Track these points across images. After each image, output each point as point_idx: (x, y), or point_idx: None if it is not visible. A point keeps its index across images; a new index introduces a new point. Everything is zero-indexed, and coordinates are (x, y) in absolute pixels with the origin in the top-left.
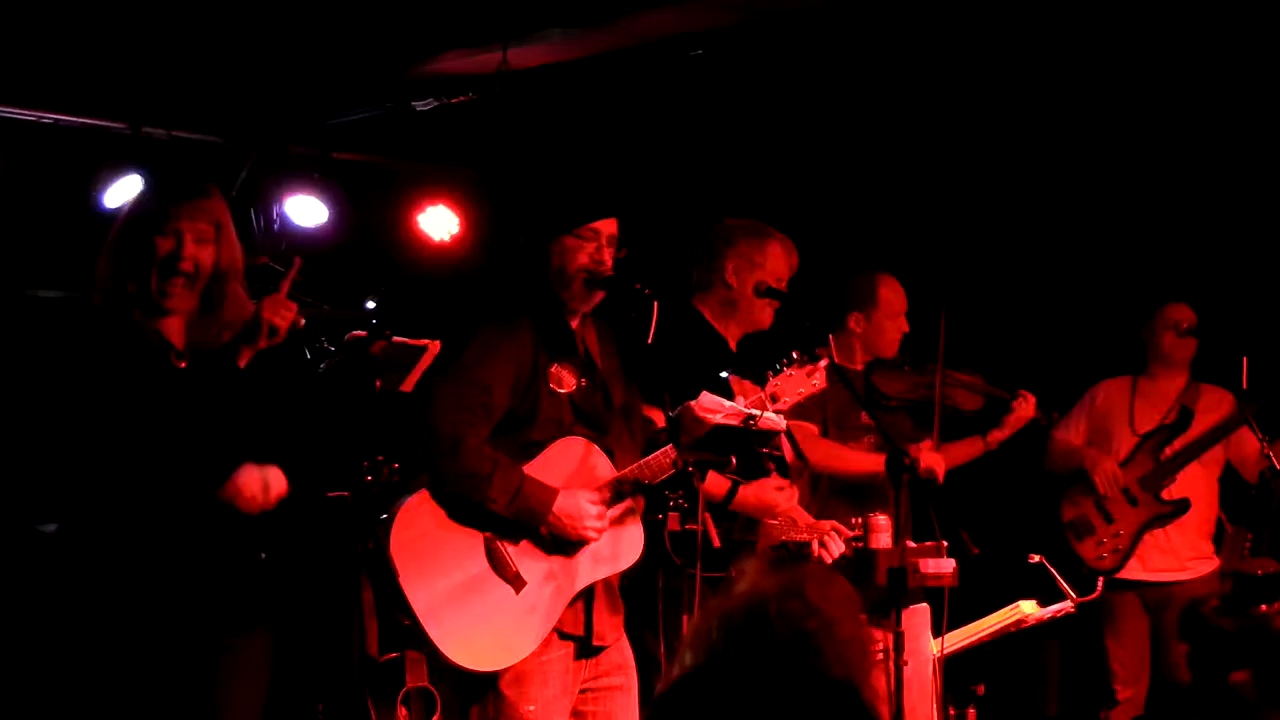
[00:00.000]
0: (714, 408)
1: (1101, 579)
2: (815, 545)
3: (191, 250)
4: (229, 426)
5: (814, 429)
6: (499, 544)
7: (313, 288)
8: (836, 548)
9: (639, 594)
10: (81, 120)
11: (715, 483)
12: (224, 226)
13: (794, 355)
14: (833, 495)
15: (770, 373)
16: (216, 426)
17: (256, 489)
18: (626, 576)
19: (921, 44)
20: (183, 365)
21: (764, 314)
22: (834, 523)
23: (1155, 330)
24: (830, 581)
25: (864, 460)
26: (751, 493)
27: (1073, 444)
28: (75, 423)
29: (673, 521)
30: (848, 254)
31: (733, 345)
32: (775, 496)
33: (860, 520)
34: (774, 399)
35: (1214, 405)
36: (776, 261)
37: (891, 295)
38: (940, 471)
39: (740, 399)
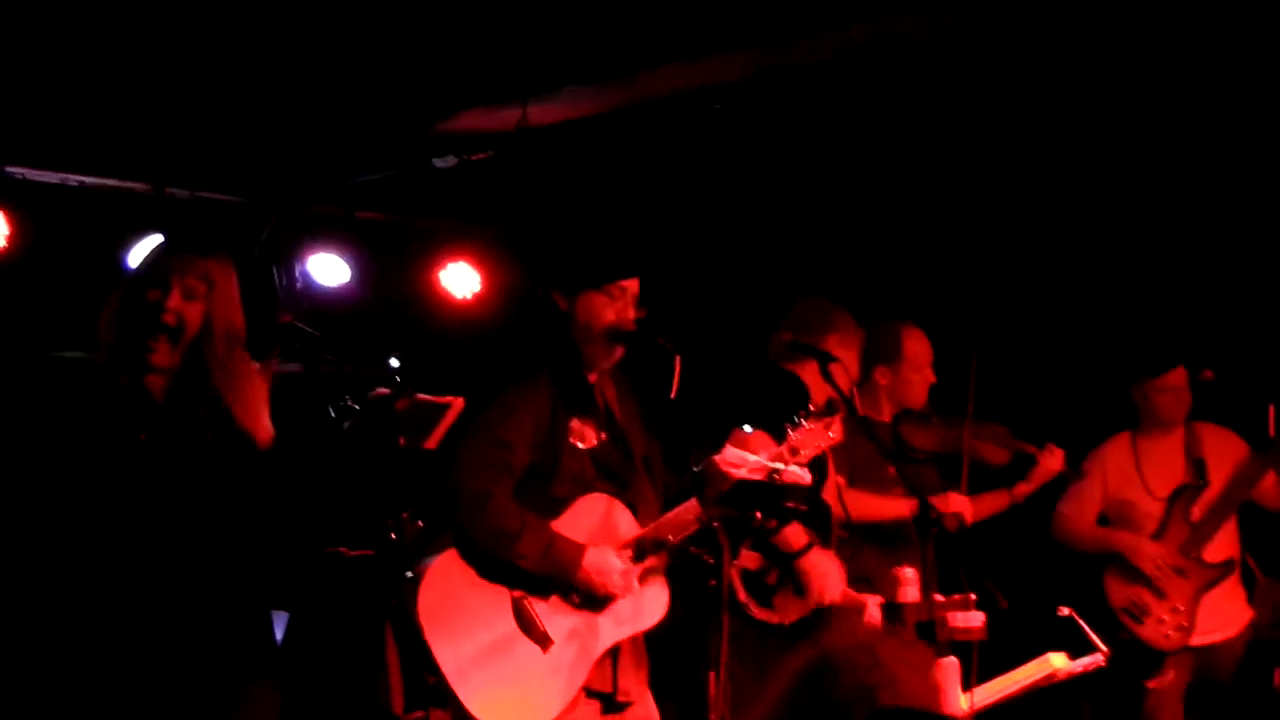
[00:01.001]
0: (738, 462)
1: (1168, 658)
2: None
3: (176, 304)
4: (181, 502)
5: (841, 480)
6: (527, 602)
7: (336, 346)
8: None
9: (698, 635)
10: (106, 182)
11: (794, 535)
12: (219, 286)
13: (810, 408)
14: (863, 544)
15: (788, 426)
16: (168, 502)
17: None
18: (677, 620)
19: (944, 91)
20: (143, 438)
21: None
22: (876, 596)
23: (1148, 393)
24: (904, 642)
25: (893, 505)
26: (816, 563)
27: (1086, 522)
28: (26, 490)
29: (748, 560)
30: (872, 305)
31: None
32: (833, 579)
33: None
34: (794, 452)
35: (1221, 447)
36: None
37: (917, 347)
38: (968, 515)
39: (763, 453)
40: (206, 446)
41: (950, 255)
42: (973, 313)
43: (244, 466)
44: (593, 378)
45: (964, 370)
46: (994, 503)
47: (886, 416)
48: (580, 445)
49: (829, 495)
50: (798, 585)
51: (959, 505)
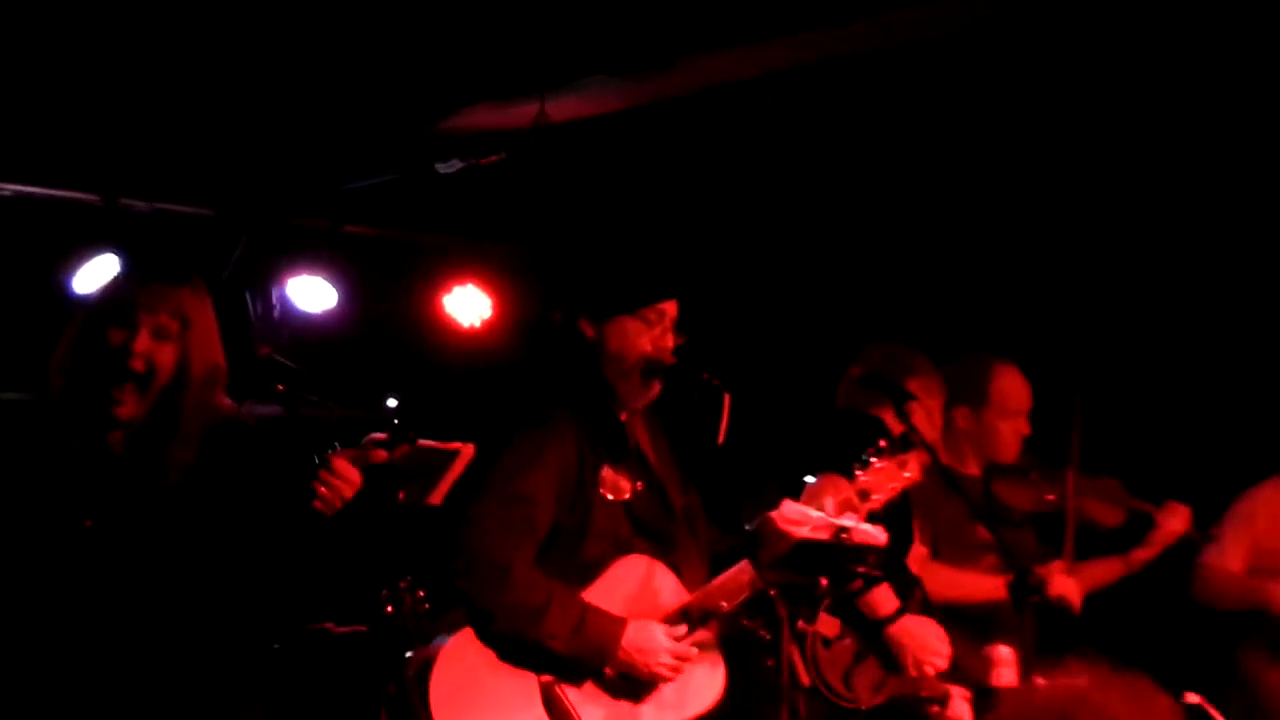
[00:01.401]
0: (798, 519)
1: None
2: (936, 709)
3: (144, 346)
4: (134, 602)
5: (923, 551)
6: (558, 689)
7: (322, 384)
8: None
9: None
10: (48, 192)
11: (882, 598)
12: (194, 324)
13: (881, 444)
14: (946, 623)
15: (856, 465)
16: (116, 595)
17: None
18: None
19: (1046, 90)
20: (89, 524)
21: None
22: (963, 690)
23: None
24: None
25: (984, 586)
26: (912, 630)
27: (1233, 573)
28: None
29: (828, 626)
30: (953, 337)
31: None
32: (935, 645)
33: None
34: (864, 495)
35: None
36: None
37: (1009, 387)
38: (1075, 599)
39: (828, 499)
40: (170, 520)
41: (1049, 277)
42: (1076, 344)
43: (216, 536)
44: (624, 416)
45: (1066, 413)
46: (1105, 571)
47: (972, 469)
48: (613, 497)
49: (914, 565)
50: (886, 659)
51: (1063, 588)
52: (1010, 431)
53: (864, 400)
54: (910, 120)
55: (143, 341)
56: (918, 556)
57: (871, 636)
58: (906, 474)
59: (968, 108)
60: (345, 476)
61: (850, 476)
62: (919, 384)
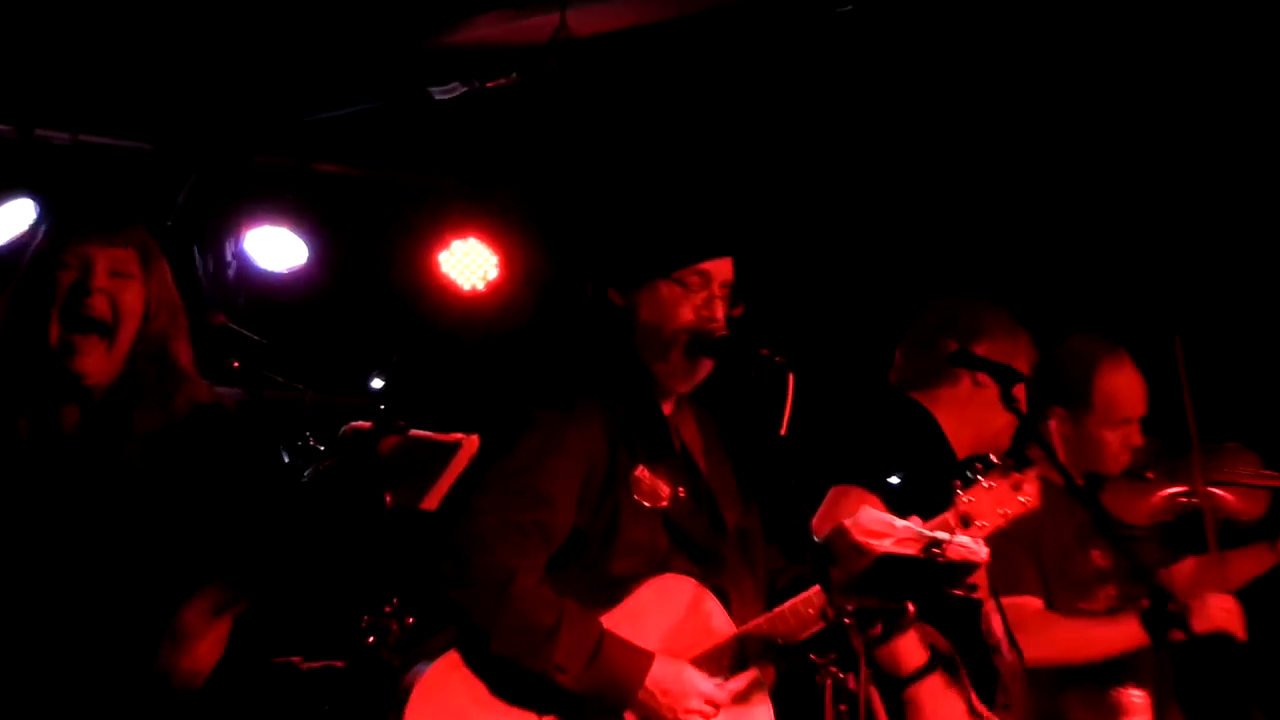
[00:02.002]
0: (881, 529)
1: None
2: None
3: (104, 283)
4: (83, 591)
5: (1036, 603)
6: None
7: (290, 360)
8: None
9: None
10: None
11: (908, 651)
12: (156, 261)
13: (994, 460)
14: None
15: (958, 484)
16: (66, 593)
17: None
18: None
19: (1139, 27)
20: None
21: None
22: None
23: None
24: None
25: (1114, 636)
26: (933, 699)
27: None
28: None
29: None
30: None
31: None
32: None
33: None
34: (966, 521)
35: None
36: (1022, 357)
37: (1119, 391)
38: (1236, 625)
39: (915, 521)
40: (130, 513)
41: (1147, 234)
42: (1175, 300)
43: (177, 539)
44: (667, 407)
45: (1163, 363)
46: (1253, 563)
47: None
48: (648, 504)
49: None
50: None
51: (1217, 617)
52: (1118, 442)
53: (937, 380)
54: (994, 54)
55: (100, 278)
56: (1027, 611)
57: (889, 696)
58: (1023, 499)
59: (1053, 47)
60: None
61: (949, 496)
62: (1022, 357)
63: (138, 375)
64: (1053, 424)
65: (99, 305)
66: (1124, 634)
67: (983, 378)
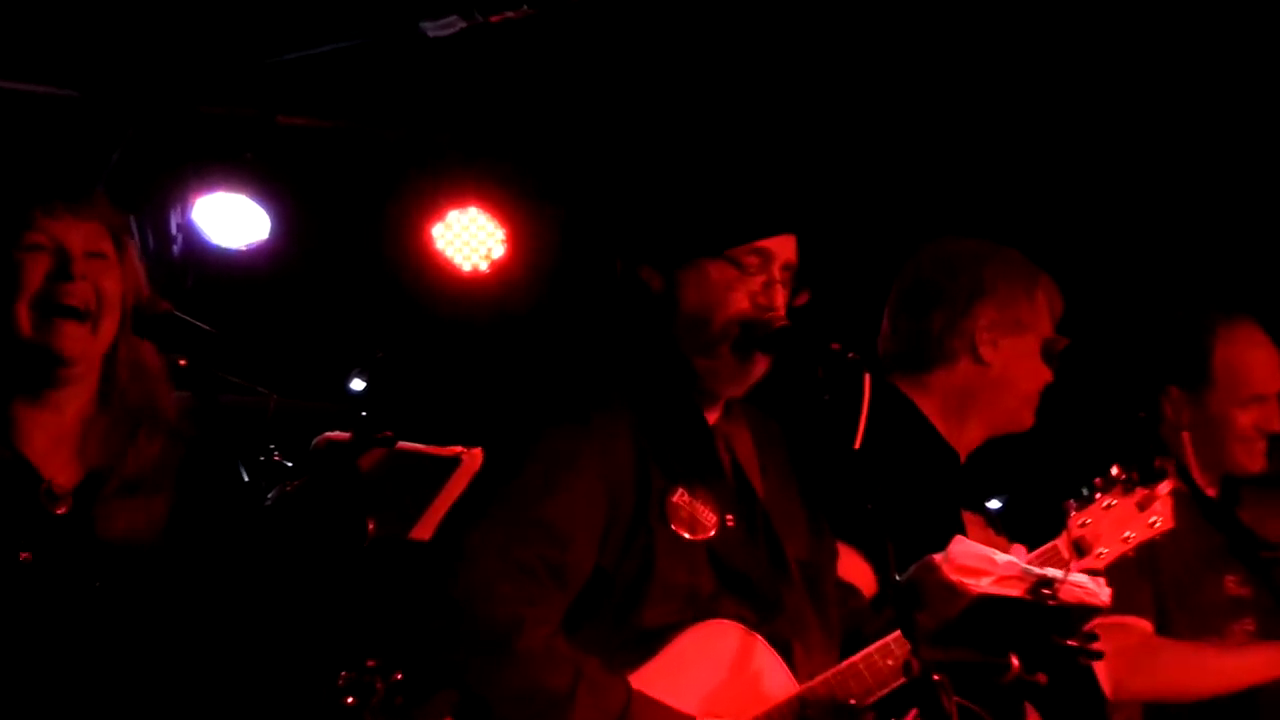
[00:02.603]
0: (978, 565)
1: None
2: None
3: (83, 267)
4: (79, 650)
5: (1144, 625)
6: None
7: (251, 357)
8: None
9: None
10: None
11: None
12: (127, 238)
13: (1114, 473)
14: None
15: (1072, 505)
16: (59, 651)
17: None
18: None
19: None
20: (62, 510)
21: (1027, 407)
22: None
23: None
24: None
25: (1245, 668)
26: None
27: None
28: None
29: None
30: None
31: (962, 456)
32: None
33: None
34: (1081, 548)
35: None
36: (1044, 317)
37: (1242, 358)
38: None
39: (1018, 551)
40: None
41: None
42: None
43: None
44: (712, 414)
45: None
46: None
47: (1206, 485)
48: (689, 535)
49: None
50: None
51: None
52: (1249, 424)
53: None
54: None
55: (80, 264)
56: (1135, 634)
57: None
58: (1152, 520)
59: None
60: None
61: (1062, 519)
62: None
63: (112, 380)
64: (1167, 410)
65: (83, 294)
66: (1259, 664)
67: (989, 353)
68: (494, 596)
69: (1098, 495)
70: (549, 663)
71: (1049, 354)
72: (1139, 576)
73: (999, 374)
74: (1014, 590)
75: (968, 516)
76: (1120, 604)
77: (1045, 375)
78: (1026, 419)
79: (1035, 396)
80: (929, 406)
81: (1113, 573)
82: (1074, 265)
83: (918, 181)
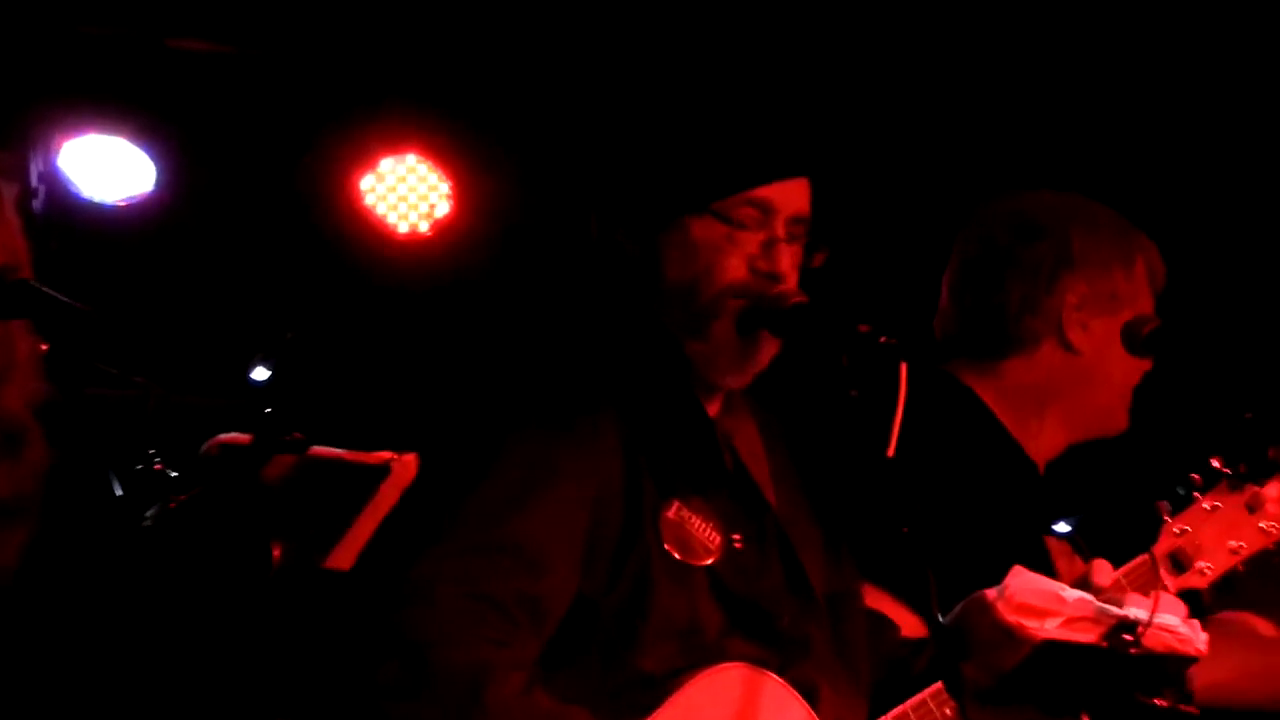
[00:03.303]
0: (1042, 604)
1: None
2: None
3: None
4: None
5: (1266, 627)
6: None
7: (128, 340)
8: None
9: None
10: None
11: None
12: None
13: (1215, 467)
14: None
15: (1166, 508)
16: None
17: None
18: None
19: None
20: None
21: (1121, 404)
22: None
23: None
24: None
25: None
26: None
27: None
28: None
29: None
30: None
31: (1041, 466)
32: None
33: None
34: (1179, 563)
35: None
36: (1144, 291)
37: None
38: None
39: (1101, 567)
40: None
41: None
42: None
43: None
44: (713, 408)
45: None
46: None
47: None
48: (689, 560)
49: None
50: None
51: None
52: None
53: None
54: None
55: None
56: (1247, 628)
57: None
58: (1265, 524)
59: None
60: None
61: (1154, 527)
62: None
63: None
64: None
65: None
66: None
67: (1078, 338)
68: (455, 639)
69: (1196, 496)
70: (527, 717)
71: (1132, 337)
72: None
73: (1090, 363)
74: (1087, 635)
75: (1050, 543)
76: (1240, 600)
77: (1143, 364)
78: (1120, 419)
79: (1130, 391)
80: (999, 403)
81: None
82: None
83: (969, 106)
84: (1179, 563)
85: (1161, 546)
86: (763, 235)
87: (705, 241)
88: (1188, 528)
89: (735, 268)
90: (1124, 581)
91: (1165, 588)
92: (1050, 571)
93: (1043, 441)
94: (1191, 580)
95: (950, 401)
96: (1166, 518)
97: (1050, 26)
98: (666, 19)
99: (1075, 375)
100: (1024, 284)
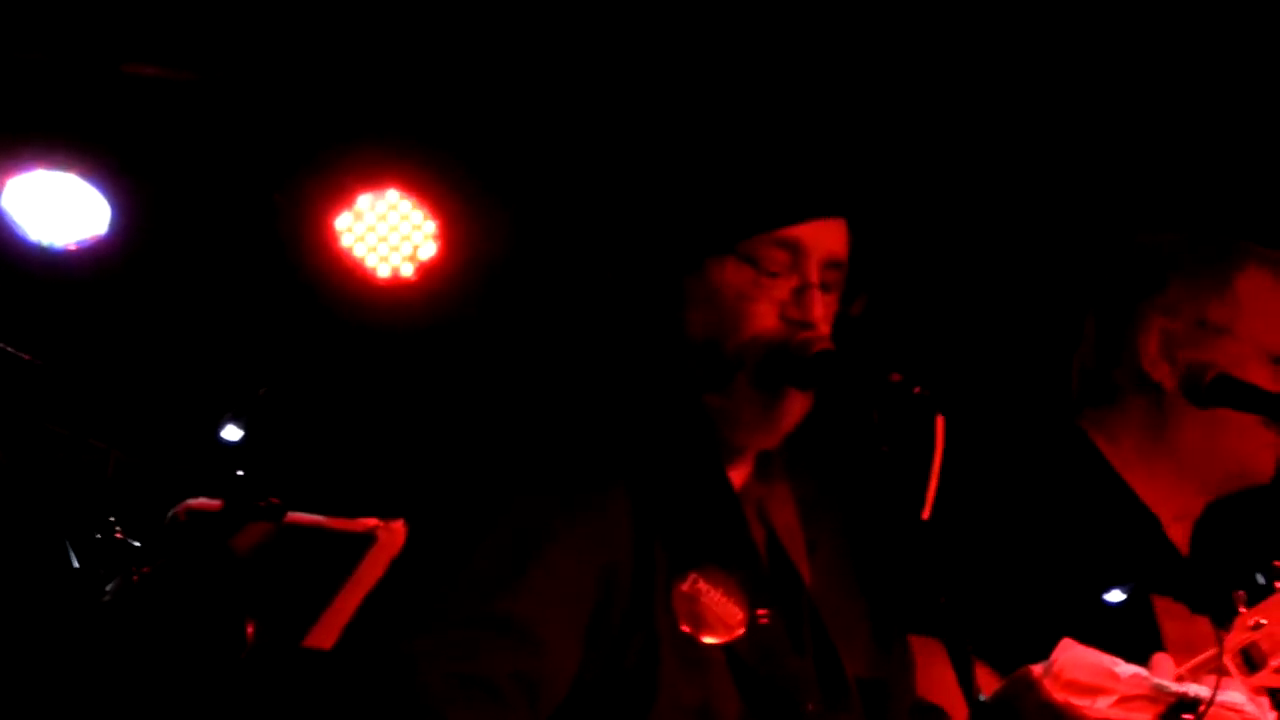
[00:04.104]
0: (1093, 681)
1: None
2: None
3: None
4: None
5: None
6: None
7: (84, 396)
8: None
9: None
10: None
11: None
12: None
13: None
14: None
15: (1242, 598)
16: None
17: None
18: None
19: None
20: None
21: (1263, 446)
22: None
23: None
24: None
25: None
26: None
27: None
28: None
29: None
30: None
31: (1170, 526)
32: None
33: None
34: (1252, 661)
35: None
36: (1255, 312)
37: None
38: None
39: (1163, 662)
40: None
41: None
42: None
43: None
44: (739, 474)
45: None
46: None
47: None
48: (707, 638)
49: None
50: None
51: None
52: None
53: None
54: None
55: None
56: None
57: None
58: None
59: None
60: None
61: (1226, 613)
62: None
63: None
64: None
65: None
66: None
67: (1163, 376)
68: None
69: (1278, 585)
70: None
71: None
72: None
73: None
74: (1143, 716)
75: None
76: None
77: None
78: (1261, 465)
79: (1264, 434)
80: (1118, 458)
81: None
82: None
83: (1017, 141)
84: (1252, 660)
85: (1233, 640)
86: (794, 280)
87: (729, 286)
88: (1264, 621)
89: (764, 315)
90: (1187, 679)
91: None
92: (1155, 638)
93: (1165, 497)
94: (1265, 679)
95: (1076, 458)
96: (1242, 609)
97: (1089, 62)
98: (684, 43)
99: (1176, 421)
100: (1103, 326)
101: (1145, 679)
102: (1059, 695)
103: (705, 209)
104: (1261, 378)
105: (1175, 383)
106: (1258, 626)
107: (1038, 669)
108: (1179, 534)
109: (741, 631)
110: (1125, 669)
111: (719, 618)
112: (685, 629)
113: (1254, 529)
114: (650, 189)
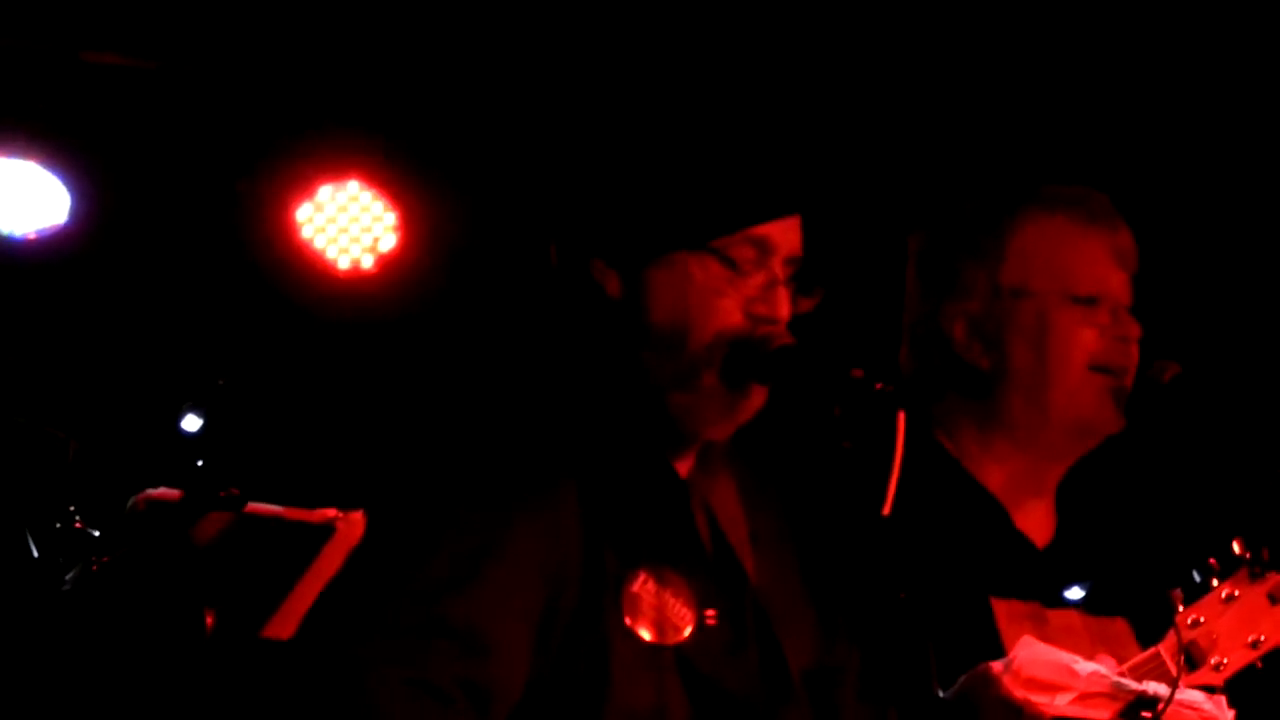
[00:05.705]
0: (1052, 676)
1: None
2: None
3: None
4: None
5: None
6: None
7: (42, 387)
8: None
9: None
10: None
11: None
12: None
13: (1236, 552)
14: None
15: (1179, 596)
16: None
17: None
18: None
19: None
20: None
21: (1095, 392)
22: None
23: None
24: None
25: None
26: None
27: None
28: None
29: None
30: None
31: (1023, 515)
32: None
33: None
34: (1192, 658)
35: None
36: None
37: None
38: None
39: (1105, 662)
40: None
41: None
42: None
43: None
44: (684, 464)
45: None
46: None
47: None
48: (656, 639)
49: None
50: None
51: None
52: None
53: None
54: None
55: None
56: None
57: None
58: None
59: None
60: None
61: (1166, 614)
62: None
63: None
64: None
65: None
66: None
67: (972, 349)
68: None
69: (1214, 583)
70: None
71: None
72: None
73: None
74: (1101, 713)
75: (1078, 619)
76: None
77: (1087, 342)
78: (1102, 412)
79: (1091, 379)
80: (960, 451)
81: None
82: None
83: (973, 133)
84: (1192, 657)
85: (1172, 639)
86: (762, 276)
87: (700, 282)
88: (1202, 618)
89: (730, 310)
90: (1131, 677)
91: (1177, 683)
92: (995, 643)
93: (1006, 482)
94: (1205, 676)
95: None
96: (1180, 607)
97: (1051, 58)
98: (659, 36)
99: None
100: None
101: (1105, 677)
102: (1019, 692)
103: (680, 205)
104: (1072, 322)
105: (990, 361)
106: (1195, 624)
107: (998, 665)
108: (1034, 521)
109: (689, 633)
110: (1085, 666)
111: (668, 619)
112: (637, 629)
113: (1187, 525)
114: (621, 182)
